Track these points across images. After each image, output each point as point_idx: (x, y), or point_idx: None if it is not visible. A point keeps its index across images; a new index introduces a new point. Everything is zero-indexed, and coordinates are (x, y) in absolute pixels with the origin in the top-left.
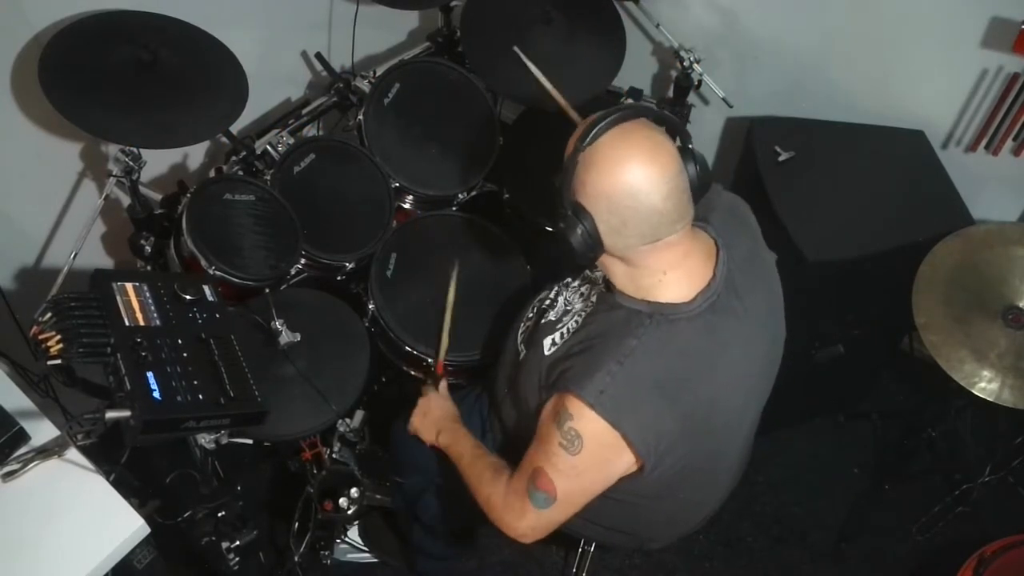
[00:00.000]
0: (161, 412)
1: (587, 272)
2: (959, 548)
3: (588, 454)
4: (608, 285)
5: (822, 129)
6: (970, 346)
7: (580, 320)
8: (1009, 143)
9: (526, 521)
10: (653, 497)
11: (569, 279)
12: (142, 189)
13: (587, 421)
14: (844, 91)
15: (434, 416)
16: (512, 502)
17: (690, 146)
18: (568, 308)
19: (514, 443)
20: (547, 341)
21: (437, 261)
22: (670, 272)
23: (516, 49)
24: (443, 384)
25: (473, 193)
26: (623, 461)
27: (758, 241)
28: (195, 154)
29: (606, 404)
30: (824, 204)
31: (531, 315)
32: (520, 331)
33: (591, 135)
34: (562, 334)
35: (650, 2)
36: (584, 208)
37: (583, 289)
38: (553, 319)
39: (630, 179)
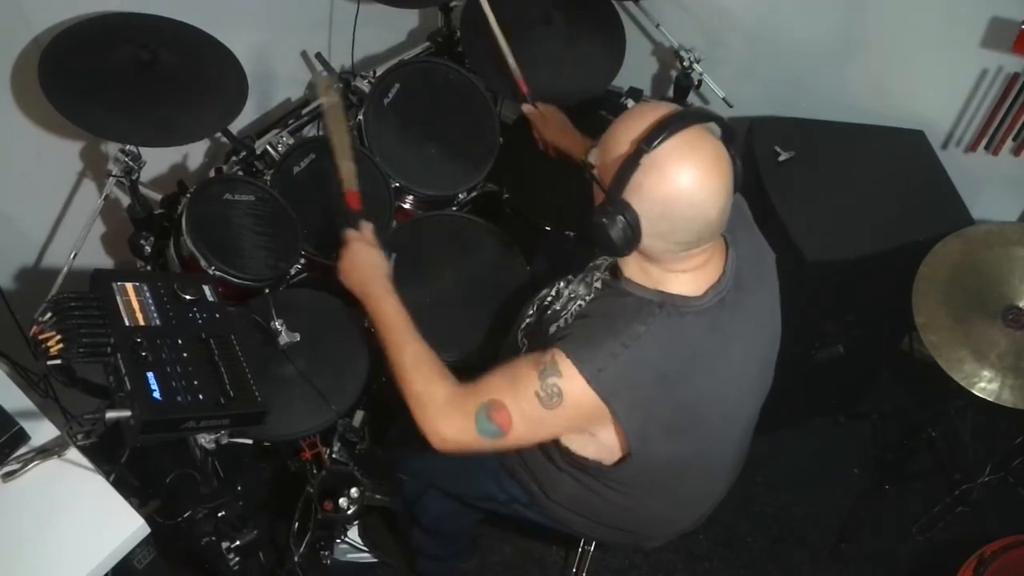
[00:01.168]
0: (161, 412)
1: (590, 263)
2: (959, 548)
3: (561, 413)
4: (614, 272)
5: (822, 129)
6: (970, 346)
7: (585, 303)
8: (1009, 143)
9: (458, 436)
10: (646, 490)
11: (571, 276)
12: (142, 189)
13: (576, 389)
14: (844, 91)
15: (361, 272)
16: (451, 413)
17: (732, 153)
18: (572, 296)
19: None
20: (552, 328)
21: (437, 261)
22: (688, 272)
23: None
24: (367, 226)
25: (473, 193)
26: (603, 431)
27: (761, 239)
28: (195, 154)
29: (603, 381)
30: (824, 204)
31: (532, 312)
32: (521, 327)
33: (659, 140)
34: (566, 320)
35: (650, 2)
36: (632, 208)
37: (587, 278)
38: (558, 308)
39: (692, 190)
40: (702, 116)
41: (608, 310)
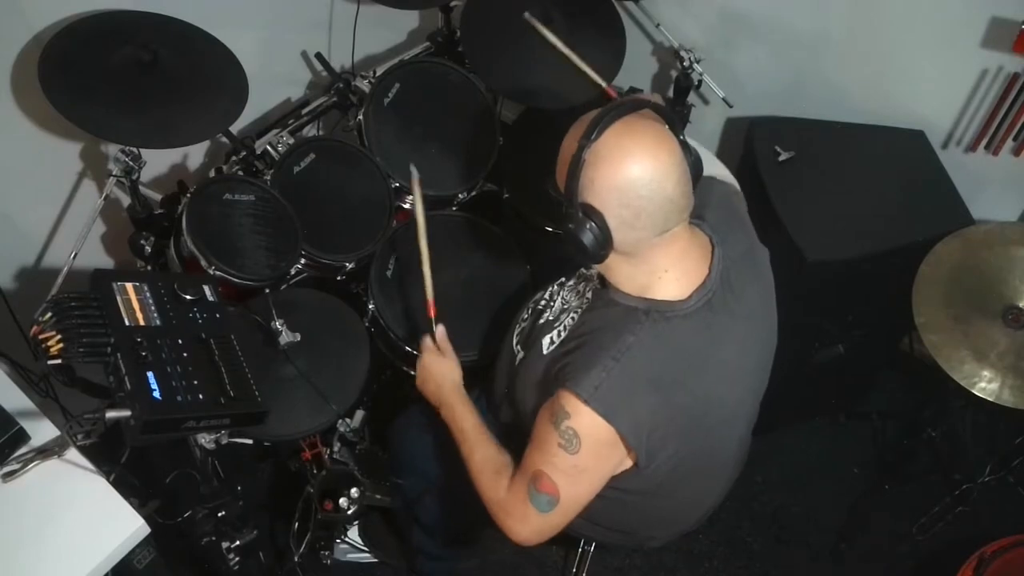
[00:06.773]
0: (161, 412)
1: (582, 270)
2: (959, 548)
3: (587, 452)
4: (603, 281)
5: (822, 129)
6: (970, 346)
7: (576, 317)
8: (1009, 143)
9: (529, 526)
10: (651, 495)
11: (564, 279)
12: (142, 189)
13: (583, 418)
14: (844, 91)
15: (434, 383)
16: (514, 507)
17: (682, 136)
18: (565, 307)
19: (512, 444)
20: (545, 340)
21: (437, 261)
22: (670, 270)
23: (528, 16)
24: (440, 331)
25: (473, 193)
26: (618, 457)
27: (752, 236)
28: (195, 154)
29: (601, 399)
30: (824, 204)
31: (526, 316)
32: (516, 333)
33: (595, 132)
34: (559, 332)
35: (650, 2)
36: (593, 207)
37: (579, 287)
38: (551, 318)
39: (641, 169)
40: (636, 104)
41: (598, 325)
